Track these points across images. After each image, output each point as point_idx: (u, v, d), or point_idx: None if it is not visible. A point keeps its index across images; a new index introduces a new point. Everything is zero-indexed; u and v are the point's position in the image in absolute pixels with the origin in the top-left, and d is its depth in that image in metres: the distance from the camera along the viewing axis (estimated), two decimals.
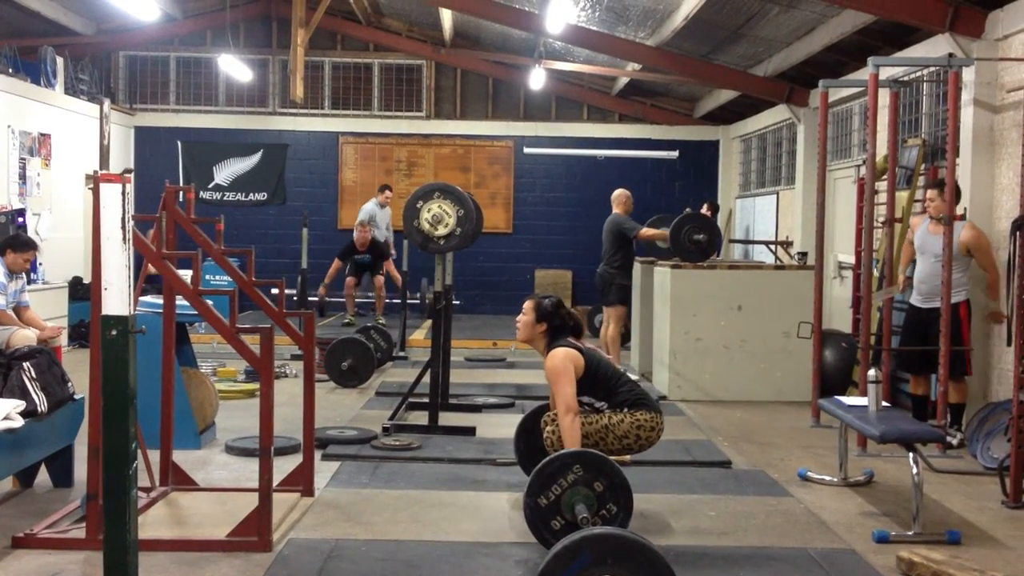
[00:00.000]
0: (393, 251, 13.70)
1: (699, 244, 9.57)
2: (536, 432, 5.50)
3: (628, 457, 6.39)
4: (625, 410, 5.16)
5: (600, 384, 5.19)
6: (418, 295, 13.86)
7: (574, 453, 4.63)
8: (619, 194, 10.25)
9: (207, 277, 11.48)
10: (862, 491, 5.97)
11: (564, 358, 5.07)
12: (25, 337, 6.77)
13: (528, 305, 5.32)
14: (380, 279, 13.38)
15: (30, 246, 7.75)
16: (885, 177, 8.01)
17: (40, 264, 11.74)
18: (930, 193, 7.40)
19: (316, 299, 13.12)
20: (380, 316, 13.30)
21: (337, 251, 13.32)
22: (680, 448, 6.90)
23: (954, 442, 6.97)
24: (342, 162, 16.01)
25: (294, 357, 10.22)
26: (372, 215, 13.90)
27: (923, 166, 8.38)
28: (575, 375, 5.07)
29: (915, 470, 5.07)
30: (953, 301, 7.05)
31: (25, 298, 7.55)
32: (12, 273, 7.45)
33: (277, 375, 8.29)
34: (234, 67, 14.20)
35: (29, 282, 10.97)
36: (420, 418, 7.51)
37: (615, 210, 10.16)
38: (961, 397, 7.17)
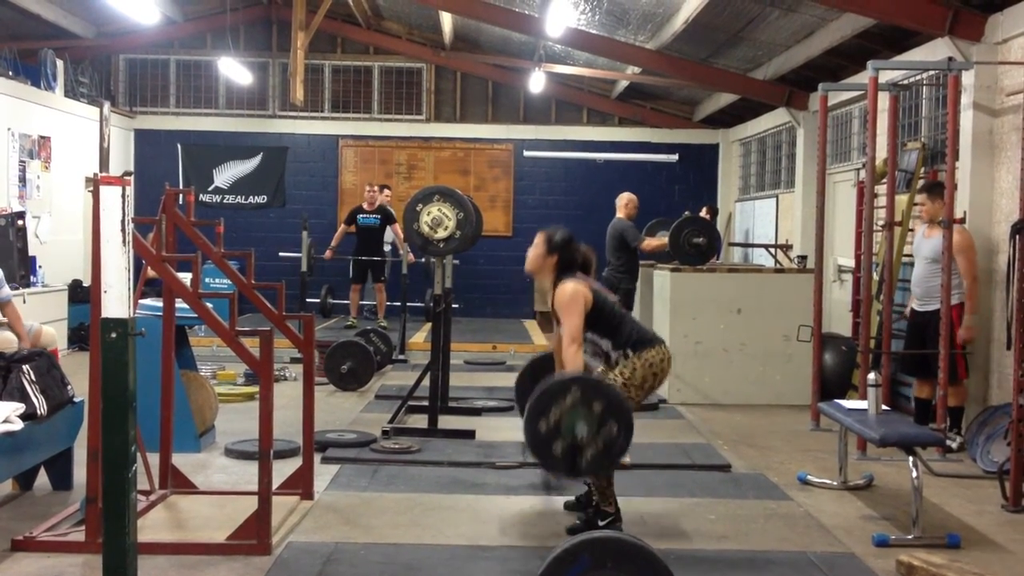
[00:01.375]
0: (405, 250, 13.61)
1: (699, 247, 9.58)
2: (537, 380, 5.45)
3: (628, 460, 6.41)
4: (631, 354, 5.09)
5: (606, 320, 5.15)
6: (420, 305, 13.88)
7: (571, 375, 4.62)
8: (623, 198, 10.22)
9: (207, 280, 11.47)
10: (862, 495, 5.97)
11: (574, 291, 5.05)
12: (7, 340, 6.70)
13: (539, 238, 5.29)
14: (381, 285, 13.42)
15: None
16: (885, 180, 8.01)
17: (40, 267, 11.74)
18: (919, 198, 7.45)
19: (326, 256, 13.13)
20: (382, 319, 13.32)
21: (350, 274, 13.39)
22: (680, 452, 6.90)
23: (953, 445, 6.97)
24: (342, 165, 16.01)
25: (294, 360, 10.22)
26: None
27: (923, 169, 8.38)
28: (584, 309, 5.05)
29: (915, 474, 5.07)
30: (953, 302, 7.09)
31: (4, 292, 7.40)
32: None
33: (276, 378, 8.28)
34: (234, 70, 14.20)
35: (28, 285, 11.02)
36: (420, 421, 7.51)
37: (619, 214, 10.14)
38: (959, 400, 7.17)
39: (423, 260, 12.54)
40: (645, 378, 5.10)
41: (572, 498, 5.49)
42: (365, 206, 13.14)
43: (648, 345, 5.15)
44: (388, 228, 13.35)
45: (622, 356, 5.12)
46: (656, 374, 5.13)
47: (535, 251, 5.28)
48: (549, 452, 4.49)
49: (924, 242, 7.38)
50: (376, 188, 13.30)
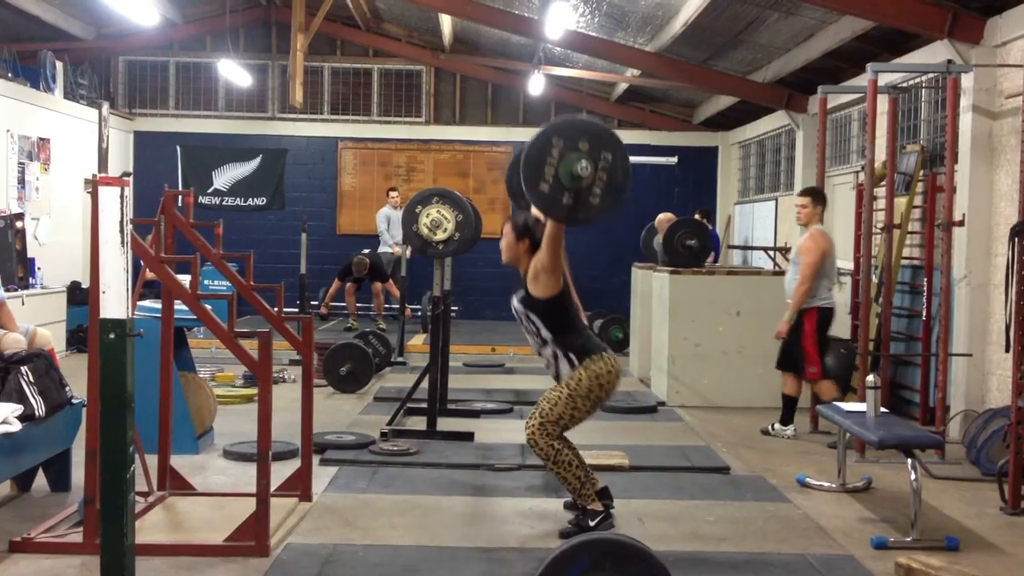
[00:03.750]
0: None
1: (691, 249, 9.67)
2: None
3: (627, 462, 6.41)
4: (576, 363, 5.02)
5: (562, 312, 5.10)
6: (418, 307, 13.99)
7: (549, 126, 4.62)
8: (665, 219, 10.66)
9: (205, 282, 11.47)
10: (861, 497, 5.96)
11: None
12: (16, 341, 6.71)
13: (507, 227, 5.24)
14: (378, 285, 13.47)
15: None
16: (884, 183, 8.01)
17: (39, 268, 11.74)
18: (801, 200, 7.70)
19: (321, 315, 13.54)
20: (380, 322, 13.34)
21: (336, 271, 13.66)
22: (679, 454, 6.90)
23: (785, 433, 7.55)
24: (341, 167, 16.01)
25: (292, 362, 10.21)
26: (389, 218, 14.10)
27: (921, 172, 8.39)
28: (558, 281, 5.02)
29: (913, 476, 5.07)
30: (805, 306, 7.42)
31: (0, 295, 7.39)
32: None
33: (275, 380, 8.28)
34: (233, 72, 14.21)
35: (27, 287, 11.02)
36: (418, 423, 7.51)
37: (661, 236, 10.51)
38: (793, 391, 7.65)
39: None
40: (591, 389, 4.99)
41: (571, 499, 5.49)
42: (355, 272, 13.37)
43: (595, 353, 5.05)
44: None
45: (565, 362, 5.03)
46: (602, 386, 5.01)
47: (506, 241, 5.22)
48: (561, 206, 4.56)
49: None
50: (366, 263, 13.37)
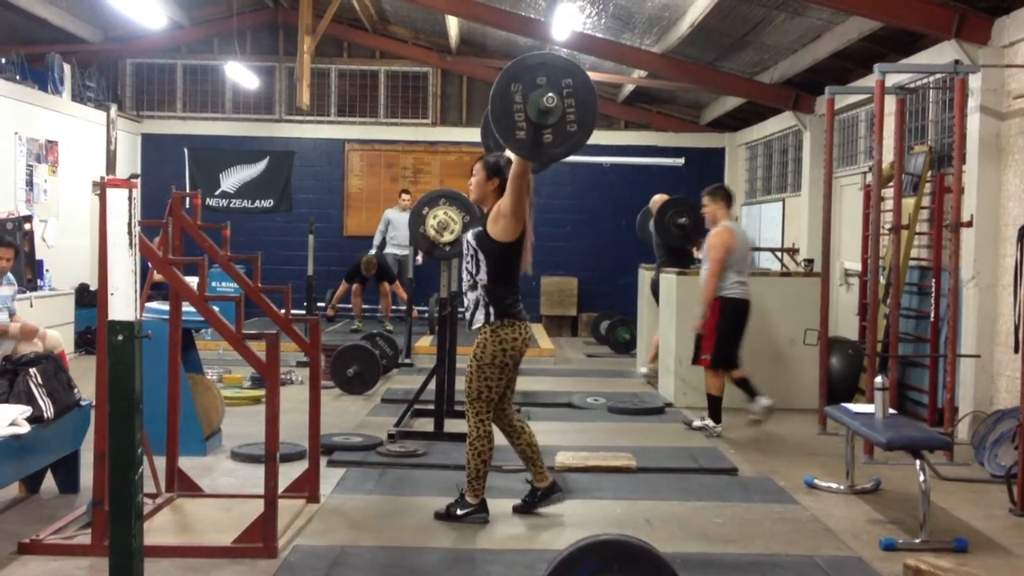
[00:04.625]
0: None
1: (683, 228, 9.71)
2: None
3: (634, 464, 6.41)
4: (493, 319, 5.11)
5: (509, 262, 5.17)
6: (426, 309, 14.01)
7: (502, 75, 4.72)
8: (659, 199, 10.61)
9: (213, 284, 11.50)
10: (869, 498, 5.95)
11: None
12: (32, 346, 6.79)
13: (478, 165, 5.34)
14: (386, 286, 13.48)
15: (5, 243, 7.58)
16: (891, 184, 8.00)
17: (47, 271, 11.77)
18: (705, 199, 7.97)
19: (327, 317, 13.59)
20: (388, 323, 13.35)
21: (344, 272, 13.70)
22: (686, 455, 6.89)
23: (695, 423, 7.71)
24: (348, 169, 16.02)
25: (300, 364, 10.22)
26: (389, 220, 14.05)
27: (929, 173, 8.38)
28: (517, 227, 5.09)
29: (922, 477, 5.06)
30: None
31: (14, 306, 7.47)
32: None
33: (283, 382, 8.29)
34: (241, 74, 14.23)
35: (34, 288, 11.05)
36: (426, 425, 7.51)
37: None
38: (712, 389, 7.71)
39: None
40: (495, 355, 5.13)
41: (520, 501, 5.54)
42: (363, 271, 13.38)
43: (510, 317, 5.15)
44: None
45: (483, 311, 5.12)
46: (506, 351, 5.14)
47: (476, 179, 5.30)
48: (542, 144, 4.64)
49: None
50: (374, 263, 13.42)
